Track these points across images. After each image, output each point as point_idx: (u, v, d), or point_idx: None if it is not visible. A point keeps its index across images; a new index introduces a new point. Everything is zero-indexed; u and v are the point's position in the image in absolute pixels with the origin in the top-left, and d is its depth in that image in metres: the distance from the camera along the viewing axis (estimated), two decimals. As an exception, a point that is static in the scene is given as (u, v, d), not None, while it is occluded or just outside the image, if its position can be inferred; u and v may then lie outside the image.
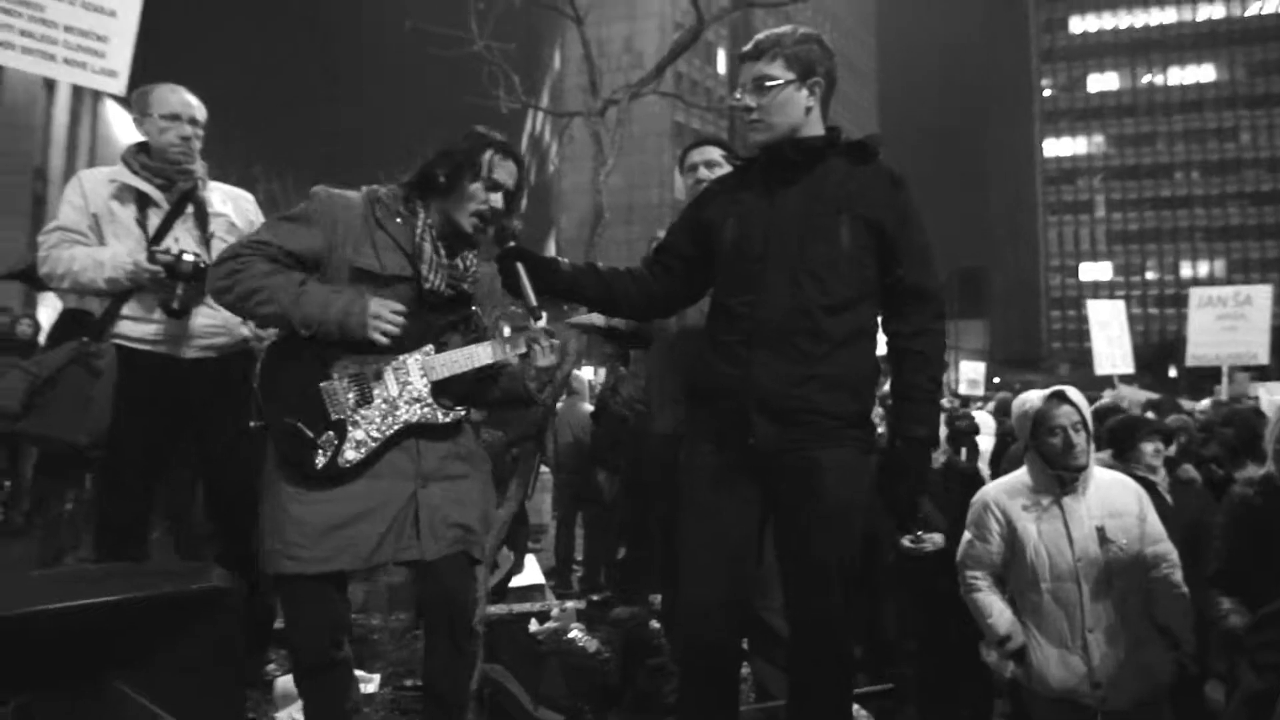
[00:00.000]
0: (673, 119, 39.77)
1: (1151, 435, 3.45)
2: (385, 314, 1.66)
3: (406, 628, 3.18)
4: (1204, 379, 10.39)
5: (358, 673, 2.28)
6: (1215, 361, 7.62)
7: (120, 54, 2.74)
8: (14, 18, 2.52)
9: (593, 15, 3.65)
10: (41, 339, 6.12)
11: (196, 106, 2.43)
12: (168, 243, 2.33)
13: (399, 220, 1.76)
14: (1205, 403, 6.29)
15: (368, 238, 1.73)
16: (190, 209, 2.42)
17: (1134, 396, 8.65)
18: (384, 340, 1.66)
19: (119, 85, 2.78)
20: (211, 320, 2.38)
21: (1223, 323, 7.53)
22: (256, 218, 2.55)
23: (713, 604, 1.78)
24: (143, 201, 2.36)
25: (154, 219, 2.37)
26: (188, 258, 2.25)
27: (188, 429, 2.45)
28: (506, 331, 1.87)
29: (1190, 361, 7.93)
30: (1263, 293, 7.61)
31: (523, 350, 1.80)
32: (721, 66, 45.20)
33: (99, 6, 2.69)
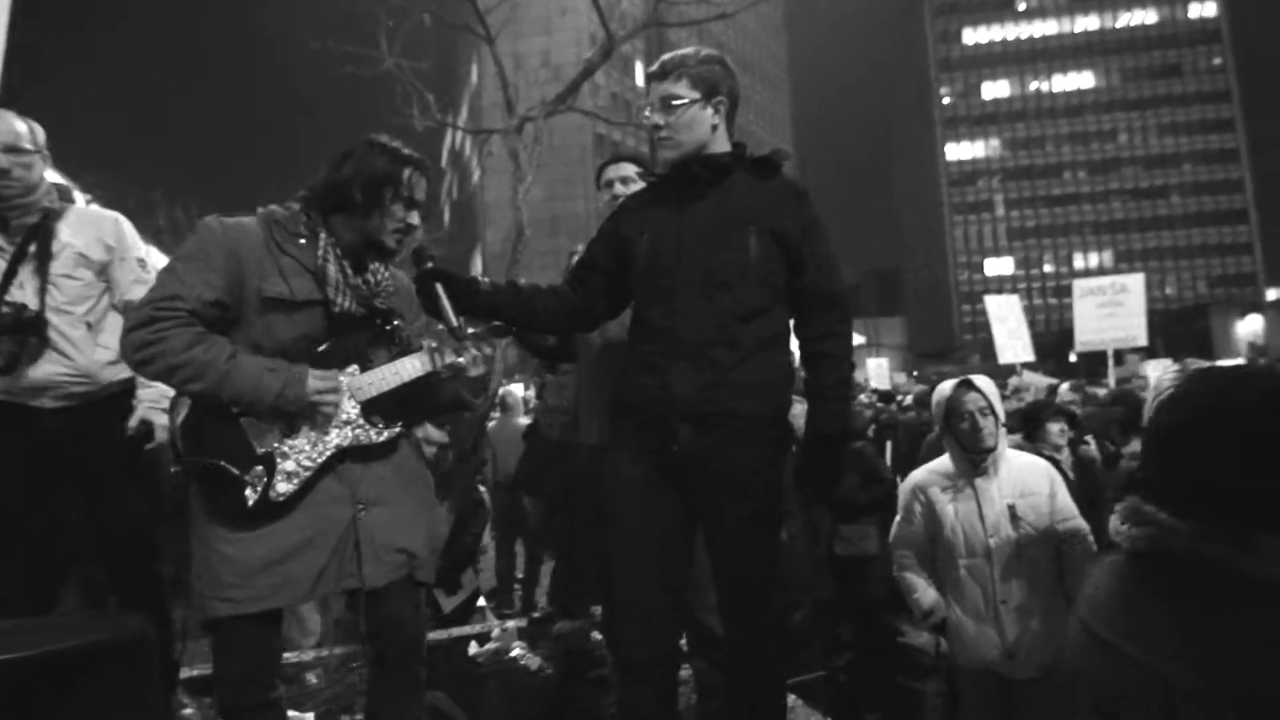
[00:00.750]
0: (594, 130, 39.95)
1: (1056, 416, 3.72)
2: (327, 397, 1.63)
3: (340, 662, 3.08)
4: (1100, 362, 11.26)
5: (290, 713, 2.20)
6: (1101, 346, 8.19)
7: None
8: None
9: (509, 30, 3.65)
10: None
11: (15, 132, 2.15)
12: (12, 289, 2.15)
13: (301, 241, 1.68)
14: (1065, 386, 6.80)
15: (274, 264, 1.65)
16: (34, 247, 2.19)
17: (1037, 382, 9.23)
18: (320, 422, 1.65)
19: None
20: (63, 368, 2.19)
21: (1104, 310, 8.11)
22: (120, 242, 2.32)
23: (646, 621, 1.81)
24: None
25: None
26: (4, 310, 2.09)
27: (67, 479, 2.27)
28: (431, 343, 1.83)
29: (1079, 348, 8.52)
30: (1136, 281, 8.24)
31: (452, 360, 1.79)
32: (640, 79, 45.74)
33: None
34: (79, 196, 2.40)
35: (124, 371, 2.27)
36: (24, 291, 2.17)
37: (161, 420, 2.18)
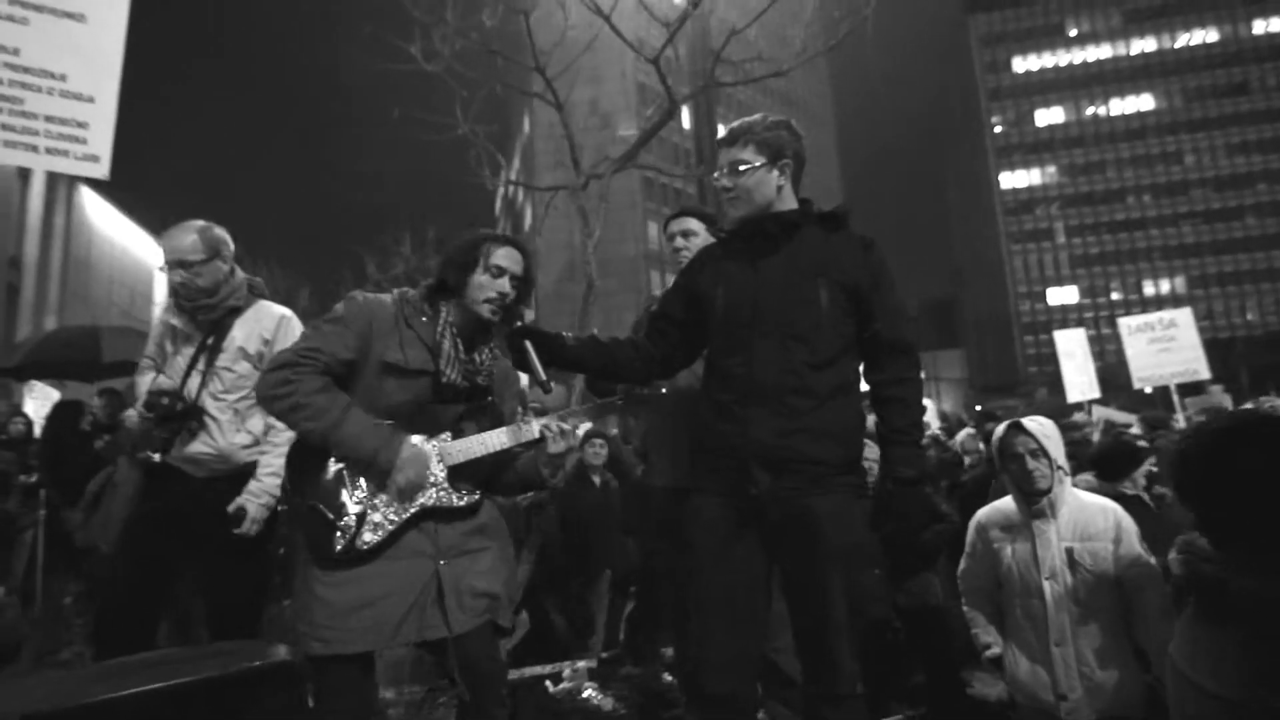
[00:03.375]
0: (642, 175, 40.78)
1: (1147, 457, 3.55)
2: (410, 473, 1.77)
3: (421, 700, 3.19)
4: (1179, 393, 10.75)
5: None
6: (1161, 381, 7.87)
7: (102, 139, 2.73)
8: None
9: (560, 80, 3.87)
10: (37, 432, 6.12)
11: (183, 248, 2.43)
12: (193, 377, 2.49)
13: (424, 319, 1.89)
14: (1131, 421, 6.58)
15: (397, 335, 1.85)
16: (211, 340, 2.51)
17: (1118, 418, 8.86)
18: (398, 487, 1.78)
19: (102, 170, 2.75)
20: (207, 447, 2.47)
21: (1156, 345, 7.83)
22: (275, 335, 2.56)
23: (727, 659, 1.86)
24: (176, 335, 2.53)
25: (189, 350, 2.51)
26: (164, 401, 2.41)
27: (196, 541, 2.48)
28: (529, 420, 1.95)
29: (1136, 384, 8.16)
30: (1185, 315, 7.95)
31: (535, 437, 1.92)
32: (687, 123, 46.67)
33: (78, 94, 2.68)
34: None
35: (258, 455, 2.53)
36: (196, 379, 2.49)
37: (253, 511, 2.40)
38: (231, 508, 2.41)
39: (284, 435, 2.46)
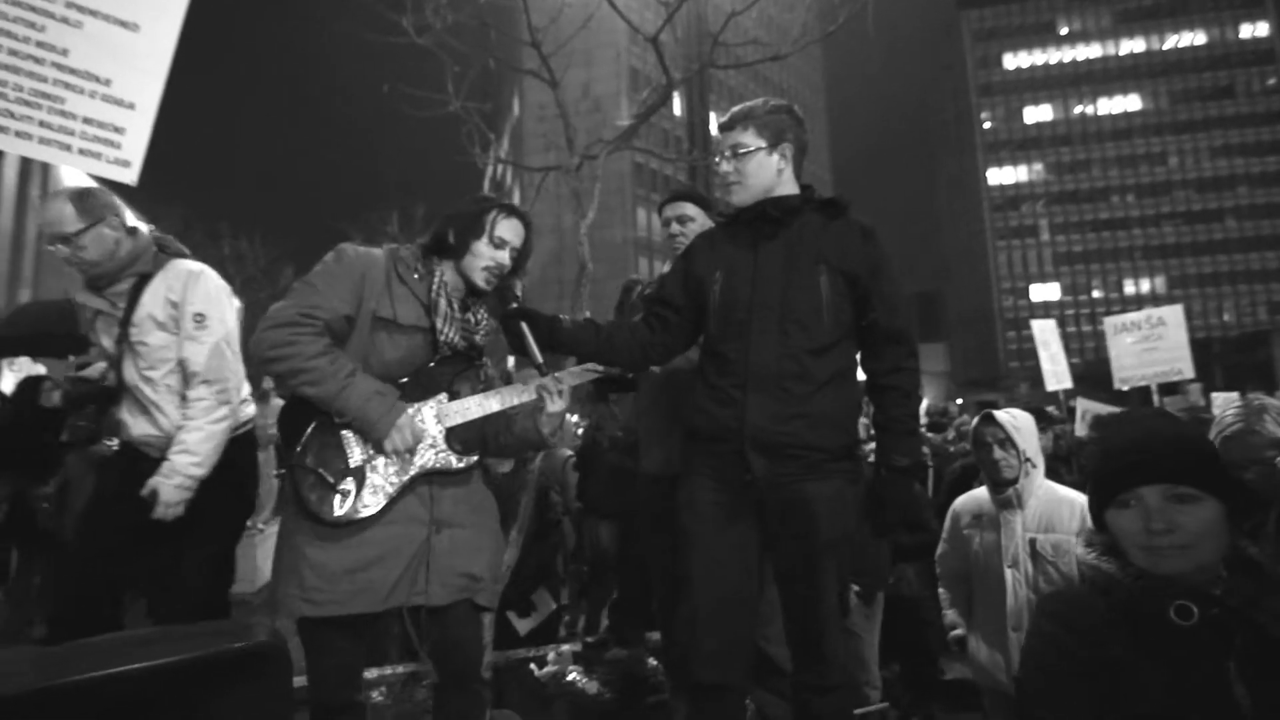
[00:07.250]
0: (632, 159, 40.51)
1: None
2: (407, 434, 1.75)
3: (405, 680, 3.17)
4: (1158, 392, 10.77)
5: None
6: (1143, 381, 7.68)
7: (136, 145, 2.72)
8: (34, 110, 2.52)
9: (553, 58, 3.81)
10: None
11: (58, 220, 2.19)
12: (125, 357, 2.27)
13: (416, 276, 1.86)
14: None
15: (388, 290, 1.82)
16: (124, 315, 2.28)
17: (1096, 409, 8.90)
18: (390, 451, 1.76)
19: (131, 175, 2.70)
20: (153, 429, 2.26)
21: (1141, 345, 7.61)
22: (182, 296, 2.30)
23: (719, 647, 1.86)
24: (97, 316, 2.33)
25: (115, 329, 2.29)
26: (69, 389, 2.23)
27: (157, 524, 2.20)
28: (527, 382, 1.94)
29: (1118, 384, 8.00)
30: (1174, 313, 7.68)
31: (533, 397, 1.90)
32: (678, 109, 46.38)
33: (119, 100, 2.68)
34: (143, 228, 2.44)
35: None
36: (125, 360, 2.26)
37: (166, 494, 2.15)
38: (145, 490, 2.14)
39: (201, 406, 2.23)
